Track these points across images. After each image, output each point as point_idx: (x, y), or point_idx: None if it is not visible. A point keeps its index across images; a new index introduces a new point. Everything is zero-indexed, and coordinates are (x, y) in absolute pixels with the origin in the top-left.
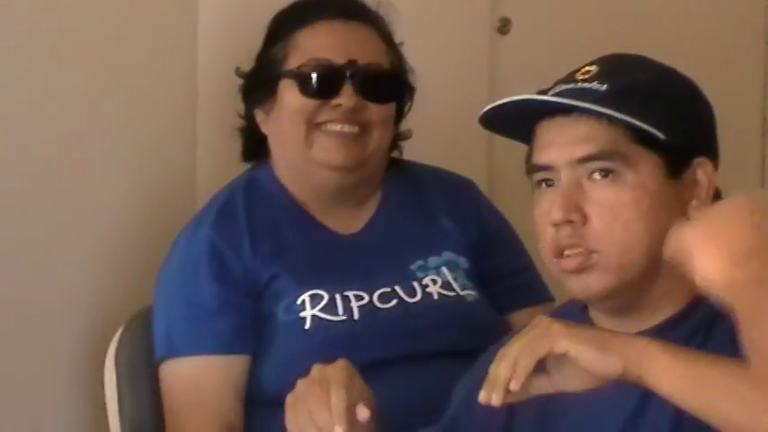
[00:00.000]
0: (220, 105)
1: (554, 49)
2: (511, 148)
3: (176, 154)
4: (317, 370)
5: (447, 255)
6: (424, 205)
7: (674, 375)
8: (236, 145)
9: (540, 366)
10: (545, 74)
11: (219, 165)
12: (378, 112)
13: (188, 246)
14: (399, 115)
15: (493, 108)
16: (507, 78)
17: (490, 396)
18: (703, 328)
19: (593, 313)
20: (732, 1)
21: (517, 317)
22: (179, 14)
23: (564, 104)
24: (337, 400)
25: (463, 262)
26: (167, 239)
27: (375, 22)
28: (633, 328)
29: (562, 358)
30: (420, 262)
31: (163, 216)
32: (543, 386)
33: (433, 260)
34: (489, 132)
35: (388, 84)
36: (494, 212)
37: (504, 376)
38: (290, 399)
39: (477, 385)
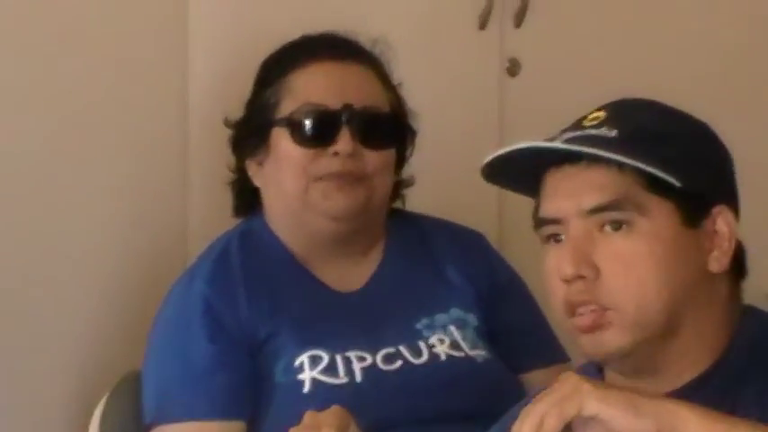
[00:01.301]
0: (212, 157)
1: (565, 91)
2: (523, 200)
3: (167, 213)
4: (309, 417)
5: (455, 311)
6: (430, 259)
7: None
8: (227, 199)
9: (566, 425)
10: (556, 116)
11: (211, 221)
12: (377, 159)
13: (181, 300)
14: (401, 162)
15: (496, 157)
16: (517, 122)
17: None
18: (729, 390)
19: (609, 375)
20: (747, 49)
21: (532, 377)
22: (169, 66)
23: (572, 151)
24: None
25: (472, 319)
26: (157, 302)
27: (372, 63)
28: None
29: (589, 419)
30: (426, 320)
31: (153, 278)
32: None
33: (440, 318)
34: None
35: (387, 128)
36: (505, 266)
37: None
38: None
39: None
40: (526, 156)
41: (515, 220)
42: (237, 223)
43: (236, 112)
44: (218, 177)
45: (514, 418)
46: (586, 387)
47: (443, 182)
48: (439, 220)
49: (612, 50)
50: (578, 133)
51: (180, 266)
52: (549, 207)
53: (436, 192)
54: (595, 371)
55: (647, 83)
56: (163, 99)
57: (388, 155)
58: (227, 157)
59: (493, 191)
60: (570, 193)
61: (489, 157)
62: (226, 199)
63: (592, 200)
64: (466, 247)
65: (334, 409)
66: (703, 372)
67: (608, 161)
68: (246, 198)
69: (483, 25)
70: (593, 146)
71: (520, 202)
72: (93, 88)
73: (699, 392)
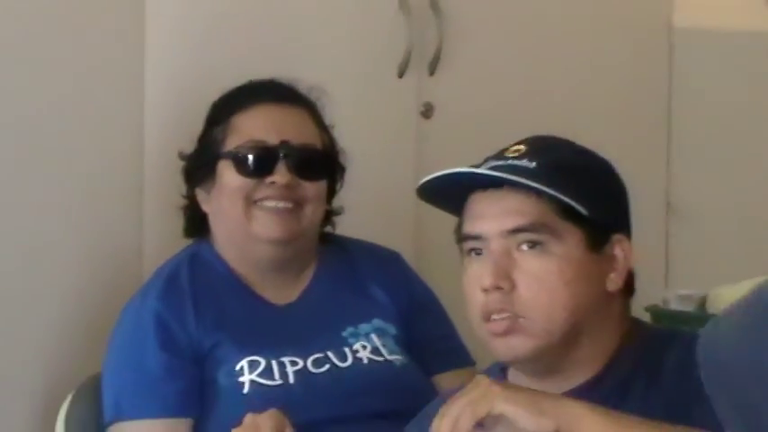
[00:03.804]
0: (166, 185)
1: (473, 131)
2: (436, 225)
3: (124, 231)
4: (249, 419)
5: (376, 322)
6: (356, 276)
7: None
8: (180, 222)
9: (479, 422)
10: (466, 155)
11: (165, 241)
12: (310, 189)
13: (136, 316)
14: (331, 193)
15: (430, 180)
16: (431, 159)
17: None
18: (617, 392)
19: (513, 373)
20: (634, 90)
21: (443, 379)
22: (126, 97)
23: (501, 179)
24: None
25: (392, 329)
26: (116, 310)
27: (307, 106)
28: (553, 391)
29: (498, 417)
30: (351, 329)
31: (111, 289)
32: None
33: (363, 327)
34: (416, 209)
35: (320, 163)
36: (420, 283)
37: None
38: None
39: None
40: (455, 179)
41: (429, 243)
42: (187, 245)
43: (189, 146)
44: (171, 203)
45: (429, 415)
46: (495, 389)
47: (368, 210)
48: (363, 243)
49: (514, 95)
50: (501, 162)
51: (136, 280)
52: (474, 226)
53: (362, 218)
54: (499, 372)
55: (549, 125)
56: (120, 129)
57: (321, 186)
58: (180, 185)
59: (410, 218)
60: (493, 216)
61: (426, 178)
62: (178, 222)
63: (512, 222)
64: (386, 265)
65: (272, 411)
66: (596, 374)
67: (528, 189)
68: (196, 222)
69: (401, 74)
70: (515, 175)
71: (434, 228)
72: (54, 114)
73: (591, 392)
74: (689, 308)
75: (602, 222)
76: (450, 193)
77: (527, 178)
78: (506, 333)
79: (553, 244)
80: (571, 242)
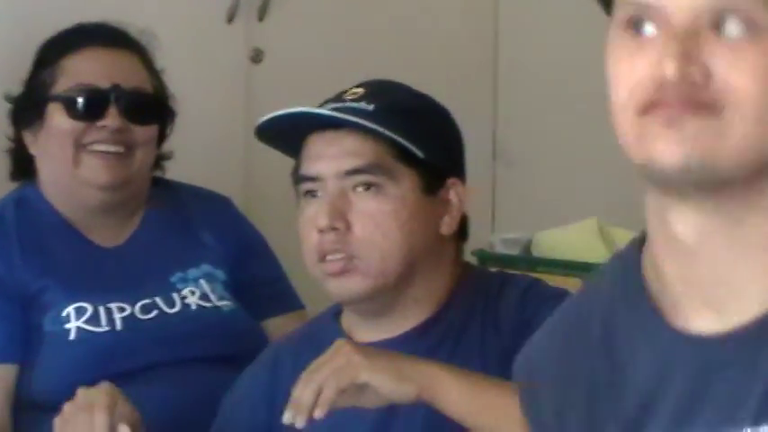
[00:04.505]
0: None
1: (303, 76)
2: (265, 170)
3: None
4: (81, 394)
5: (205, 267)
6: (185, 221)
7: (462, 400)
8: (6, 165)
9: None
10: (296, 100)
11: None
12: (141, 133)
13: None
14: (162, 137)
15: (269, 119)
16: (261, 104)
17: (295, 418)
18: (452, 334)
19: (347, 317)
20: (461, 38)
21: (272, 323)
22: None
23: (339, 119)
24: (100, 423)
25: (220, 274)
26: None
27: (138, 50)
28: (386, 332)
29: (362, 384)
30: (180, 274)
31: None
32: (344, 403)
33: (192, 272)
34: (246, 154)
35: (151, 107)
36: (249, 227)
37: (309, 402)
38: (57, 422)
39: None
40: (294, 120)
41: (259, 188)
42: (11, 190)
43: (16, 89)
44: None
45: (264, 363)
46: (357, 359)
47: (198, 155)
48: (193, 188)
49: (342, 41)
50: (340, 104)
51: None
52: (311, 167)
53: (192, 163)
54: (332, 318)
55: (374, 67)
56: None
57: (152, 130)
58: (6, 127)
59: (240, 163)
60: (330, 156)
61: (263, 118)
62: (4, 165)
63: (349, 163)
64: (216, 211)
65: (104, 386)
66: (430, 316)
67: (365, 130)
68: (23, 165)
69: (230, 19)
70: (353, 116)
71: (264, 173)
72: None
73: (427, 333)
74: (514, 251)
75: (437, 166)
76: (289, 135)
77: (365, 120)
78: (341, 273)
79: (389, 186)
80: (407, 184)
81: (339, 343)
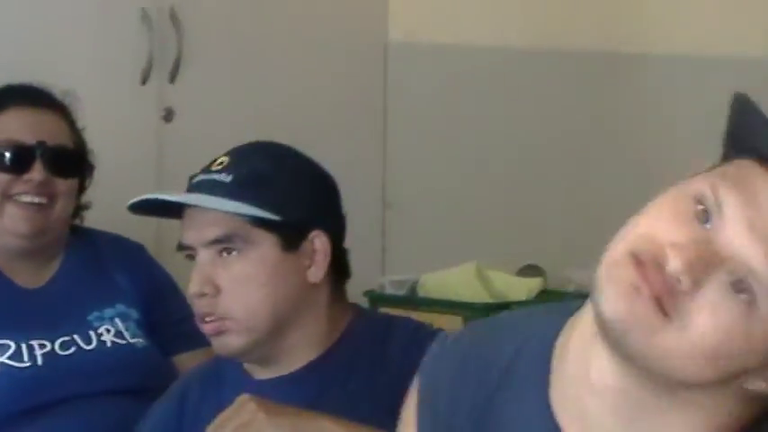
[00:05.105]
0: None
1: (211, 135)
2: (176, 221)
3: None
4: None
5: (120, 307)
6: (101, 265)
7: None
8: None
9: None
10: (204, 156)
11: None
12: (63, 185)
13: None
14: (81, 189)
15: (137, 202)
16: (172, 160)
17: None
18: (341, 374)
19: (247, 363)
20: (354, 100)
21: (181, 359)
22: None
23: (191, 203)
24: None
25: (134, 313)
26: None
27: (61, 110)
28: (278, 373)
29: None
30: (96, 313)
31: None
32: None
33: (107, 311)
34: None
35: (73, 162)
36: (160, 271)
37: None
38: None
39: None
40: (159, 201)
41: (169, 236)
42: None
43: None
44: None
45: (173, 396)
46: (261, 416)
47: (114, 205)
48: (109, 235)
49: (247, 101)
50: (203, 177)
51: None
52: (184, 236)
53: (108, 213)
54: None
55: (275, 127)
56: None
57: (73, 183)
58: None
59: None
60: (197, 228)
61: (132, 201)
62: None
63: (211, 233)
64: (130, 255)
65: None
66: (311, 361)
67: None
68: None
69: (144, 80)
70: (210, 192)
71: (173, 224)
72: None
73: (312, 373)
74: (401, 292)
75: (296, 223)
76: (168, 207)
77: (220, 194)
78: (217, 333)
79: (248, 250)
80: (265, 246)
81: (243, 398)
